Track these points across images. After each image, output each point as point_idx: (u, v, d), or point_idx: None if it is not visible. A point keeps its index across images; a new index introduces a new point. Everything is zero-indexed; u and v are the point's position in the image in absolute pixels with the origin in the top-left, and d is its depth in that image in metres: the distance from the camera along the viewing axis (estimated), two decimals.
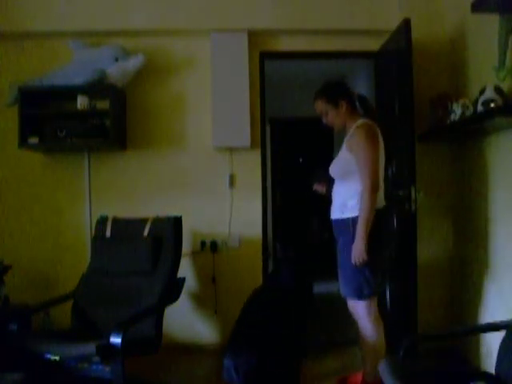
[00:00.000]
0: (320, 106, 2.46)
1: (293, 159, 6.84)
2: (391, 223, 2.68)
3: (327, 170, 2.50)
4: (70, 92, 3.09)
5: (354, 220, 2.28)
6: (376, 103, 3.46)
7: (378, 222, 2.27)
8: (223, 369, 2.17)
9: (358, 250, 2.22)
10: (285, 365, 2.24)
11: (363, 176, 2.25)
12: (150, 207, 3.23)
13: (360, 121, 2.38)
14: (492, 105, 2.24)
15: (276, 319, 2.41)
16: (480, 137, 2.72)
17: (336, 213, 2.42)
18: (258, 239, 3.32)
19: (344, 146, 2.40)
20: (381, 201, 2.35)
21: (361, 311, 2.35)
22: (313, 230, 6.47)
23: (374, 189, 2.22)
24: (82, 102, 3.08)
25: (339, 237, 2.41)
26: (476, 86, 2.55)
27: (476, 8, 2.25)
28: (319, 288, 5.25)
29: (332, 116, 2.44)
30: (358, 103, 2.47)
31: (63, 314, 2.83)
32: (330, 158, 7.10)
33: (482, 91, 2.32)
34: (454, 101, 2.63)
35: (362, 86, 5.02)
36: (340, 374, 2.70)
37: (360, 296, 2.32)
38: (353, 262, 2.25)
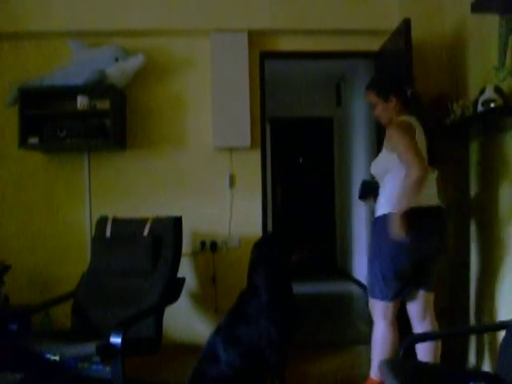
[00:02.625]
0: (370, 98, 2.45)
1: (293, 159, 6.83)
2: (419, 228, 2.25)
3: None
4: (70, 92, 3.09)
5: (380, 219, 2.31)
6: None
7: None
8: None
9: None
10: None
11: (406, 163, 2.16)
12: (150, 207, 3.22)
13: (399, 118, 2.37)
14: (492, 105, 2.24)
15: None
16: (480, 137, 2.72)
17: (378, 211, 2.42)
18: (257, 239, 3.31)
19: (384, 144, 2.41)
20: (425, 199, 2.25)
21: (376, 311, 2.37)
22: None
23: (417, 174, 2.09)
24: (81, 101, 3.08)
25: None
26: (476, 86, 2.55)
27: (476, 8, 2.25)
28: (321, 288, 5.28)
29: (380, 110, 2.42)
30: (411, 100, 2.43)
31: (63, 314, 2.83)
32: (330, 157, 7.10)
33: (482, 91, 2.32)
34: (454, 101, 2.63)
35: (362, 85, 5.02)
36: (339, 373, 2.71)
37: (372, 295, 2.36)
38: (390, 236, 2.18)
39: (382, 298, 2.32)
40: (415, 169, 2.11)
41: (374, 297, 2.35)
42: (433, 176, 2.35)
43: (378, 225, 2.35)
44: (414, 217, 2.16)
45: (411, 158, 2.14)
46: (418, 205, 2.20)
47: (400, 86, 2.45)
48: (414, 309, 2.40)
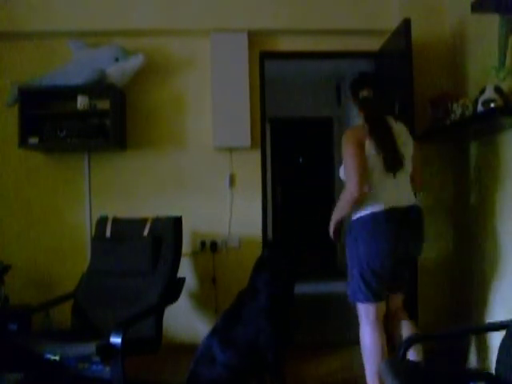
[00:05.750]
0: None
1: (293, 159, 6.83)
2: (395, 229, 2.23)
3: None
4: (70, 92, 3.09)
5: (354, 222, 2.27)
6: None
7: (372, 227, 2.20)
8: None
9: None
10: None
11: (347, 179, 2.23)
12: (150, 207, 3.22)
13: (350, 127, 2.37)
14: (492, 105, 2.24)
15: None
16: (480, 137, 2.72)
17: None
18: (257, 239, 3.32)
19: None
20: (378, 204, 2.21)
21: (359, 313, 2.33)
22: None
23: (351, 193, 2.17)
24: (81, 101, 3.08)
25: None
26: (476, 86, 2.56)
27: (476, 8, 2.26)
28: (321, 288, 5.27)
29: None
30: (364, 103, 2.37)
31: (63, 314, 2.83)
32: (329, 158, 7.08)
33: (482, 91, 2.32)
34: (454, 101, 2.63)
35: None
36: (338, 374, 2.71)
37: (354, 299, 2.31)
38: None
39: (365, 301, 2.27)
40: (351, 191, 2.17)
41: (357, 300, 2.30)
42: (401, 176, 2.24)
43: (351, 229, 2.29)
44: (376, 221, 2.18)
45: (350, 178, 2.17)
46: (381, 209, 2.18)
47: (355, 87, 2.40)
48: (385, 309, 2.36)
